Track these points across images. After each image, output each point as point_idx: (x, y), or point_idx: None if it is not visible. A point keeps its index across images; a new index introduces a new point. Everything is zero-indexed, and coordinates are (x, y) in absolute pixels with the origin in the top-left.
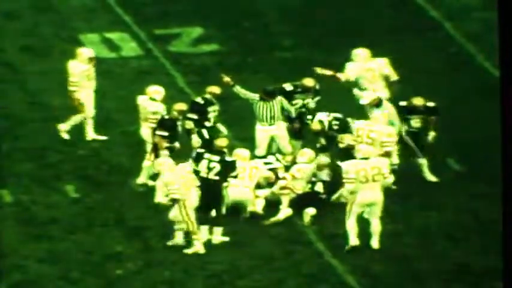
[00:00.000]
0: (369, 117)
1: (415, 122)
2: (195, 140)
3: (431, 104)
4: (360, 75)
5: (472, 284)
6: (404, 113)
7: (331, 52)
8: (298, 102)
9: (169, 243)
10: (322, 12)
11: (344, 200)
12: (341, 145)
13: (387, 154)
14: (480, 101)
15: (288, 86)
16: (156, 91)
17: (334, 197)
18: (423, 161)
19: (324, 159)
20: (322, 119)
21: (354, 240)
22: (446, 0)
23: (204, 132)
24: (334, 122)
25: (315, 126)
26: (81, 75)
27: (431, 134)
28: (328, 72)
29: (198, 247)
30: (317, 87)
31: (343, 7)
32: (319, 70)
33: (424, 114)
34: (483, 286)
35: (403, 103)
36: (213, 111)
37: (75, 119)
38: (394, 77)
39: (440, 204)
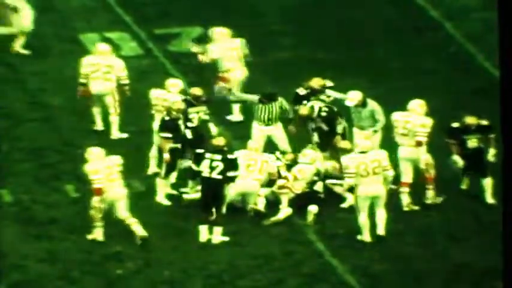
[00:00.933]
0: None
1: (472, 142)
2: None
3: (484, 122)
4: (221, 55)
5: (472, 284)
6: (459, 134)
7: (331, 52)
8: (315, 105)
9: (89, 236)
10: (322, 12)
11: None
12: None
13: (418, 144)
14: (480, 101)
15: (301, 91)
16: (174, 84)
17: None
18: (486, 181)
19: (330, 163)
20: (314, 105)
21: (366, 237)
22: (446, 0)
23: (187, 132)
24: (323, 109)
25: (303, 111)
26: None
27: (492, 152)
28: (196, 50)
29: (97, 234)
30: (327, 84)
31: (343, 7)
32: (191, 46)
33: (479, 133)
34: (483, 286)
35: (455, 124)
36: (195, 112)
37: (116, 121)
38: (248, 57)
39: (441, 204)
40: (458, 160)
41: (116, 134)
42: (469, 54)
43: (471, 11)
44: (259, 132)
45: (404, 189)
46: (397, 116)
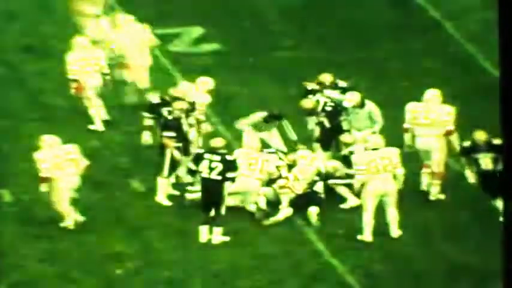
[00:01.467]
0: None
1: (485, 163)
2: (145, 138)
3: (497, 141)
4: (126, 42)
5: (472, 284)
6: (470, 153)
7: (331, 52)
8: (321, 99)
9: (62, 224)
10: (322, 12)
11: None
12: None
13: (449, 133)
14: (480, 101)
15: (310, 85)
16: (205, 82)
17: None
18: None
19: (331, 163)
20: (319, 99)
21: (368, 237)
22: (446, 0)
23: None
24: (329, 104)
25: (306, 104)
26: None
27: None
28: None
29: (68, 223)
30: (339, 83)
31: (343, 7)
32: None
33: (491, 152)
34: (483, 286)
35: (466, 143)
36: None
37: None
38: (155, 42)
39: (440, 203)
40: (470, 177)
41: (104, 116)
42: (469, 54)
43: (471, 11)
44: (251, 134)
45: (427, 170)
46: (414, 107)
